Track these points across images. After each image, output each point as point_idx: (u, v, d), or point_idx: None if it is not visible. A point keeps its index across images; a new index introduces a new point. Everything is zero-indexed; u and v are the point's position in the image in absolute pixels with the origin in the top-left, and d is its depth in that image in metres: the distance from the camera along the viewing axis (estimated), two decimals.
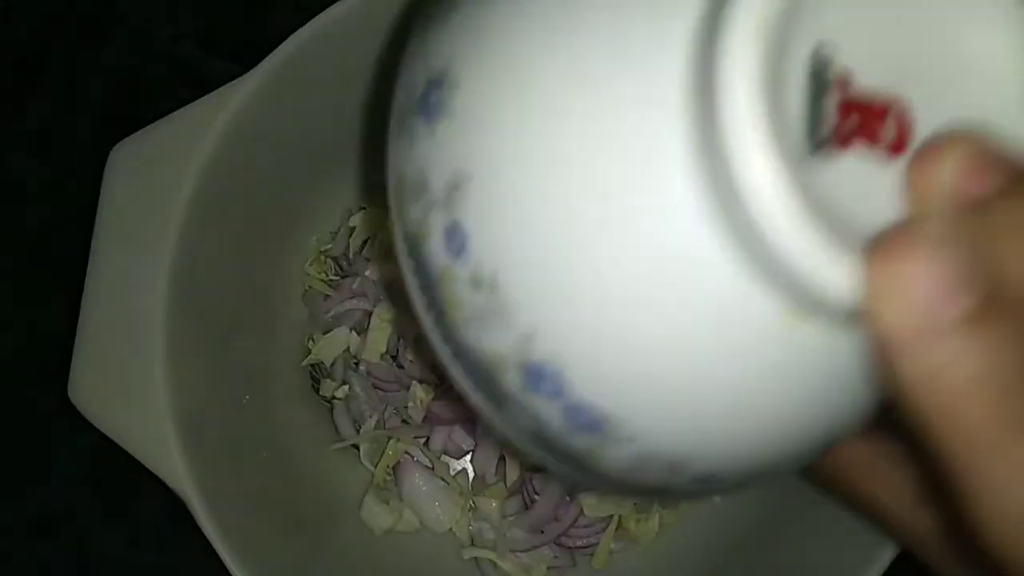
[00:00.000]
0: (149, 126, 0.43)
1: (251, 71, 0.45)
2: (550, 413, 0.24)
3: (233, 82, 0.45)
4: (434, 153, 0.24)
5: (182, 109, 0.44)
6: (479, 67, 0.24)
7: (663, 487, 0.25)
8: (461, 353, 0.25)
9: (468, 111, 0.23)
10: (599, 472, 0.25)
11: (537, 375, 0.23)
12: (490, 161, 0.23)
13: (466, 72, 0.24)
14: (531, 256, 0.22)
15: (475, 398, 0.26)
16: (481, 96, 0.23)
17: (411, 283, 0.26)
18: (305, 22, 0.46)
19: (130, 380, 0.41)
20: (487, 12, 0.24)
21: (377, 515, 0.51)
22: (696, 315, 0.22)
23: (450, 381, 0.27)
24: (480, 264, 0.23)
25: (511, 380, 0.24)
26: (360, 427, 0.53)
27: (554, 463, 0.26)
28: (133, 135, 0.43)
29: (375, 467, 0.53)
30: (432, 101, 0.24)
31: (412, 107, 0.25)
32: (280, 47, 0.46)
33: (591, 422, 0.23)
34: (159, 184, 0.43)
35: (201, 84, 0.62)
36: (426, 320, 0.26)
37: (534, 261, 0.22)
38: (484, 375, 0.24)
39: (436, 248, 0.24)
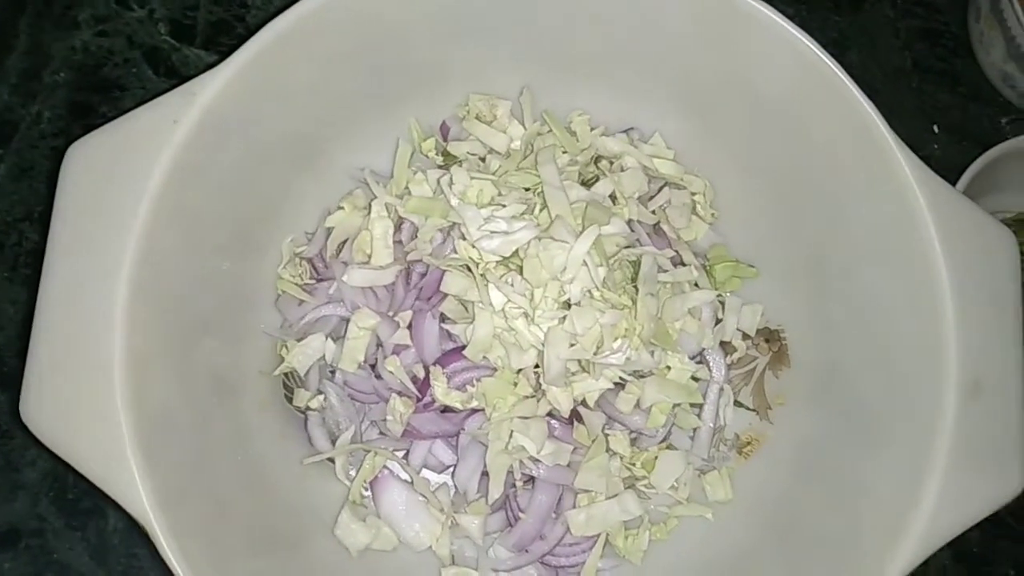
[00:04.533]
0: (109, 124, 0.40)
1: (224, 62, 0.42)
2: None
3: (203, 75, 0.42)
4: None
5: (147, 104, 0.41)
6: None
7: None
8: None
9: None
10: None
11: None
12: None
13: None
14: None
15: None
16: None
17: None
18: (281, 7, 0.43)
19: (86, 396, 0.38)
20: None
21: (353, 532, 0.49)
22: None
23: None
24: None
25: None
26: (335, 439, 0.50)
27: None
28: (92, 133, 0.40)
29: (351, 482, 0.50)
30: None
31: None
32: (255, 37, 0.43)
33: None
34: (119, 184, 0.40)
35: (172, 72, 0.60)
36: None
37: None
38: None
39: None
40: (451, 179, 0.49)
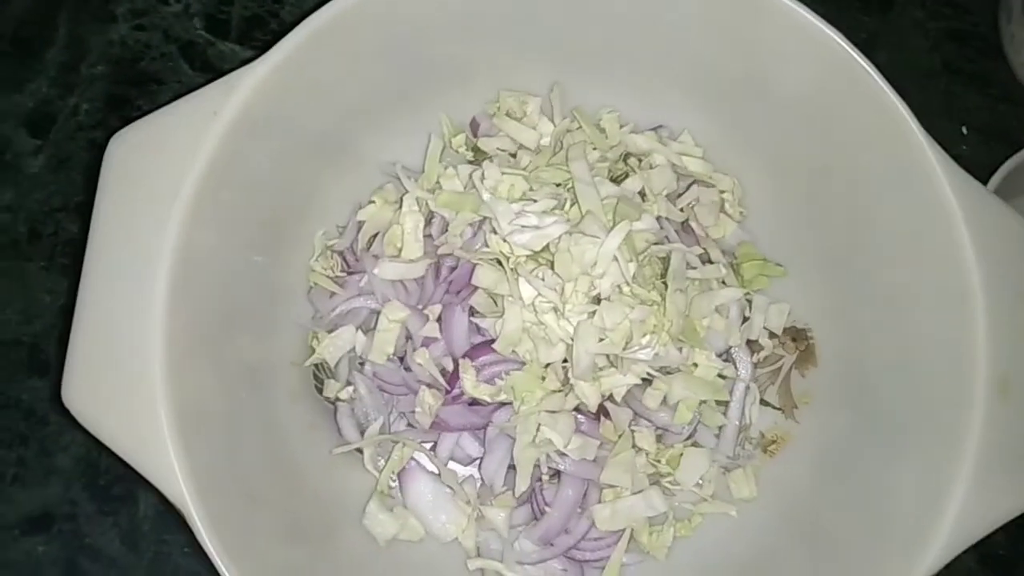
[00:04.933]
0: (150, 115, 0.41)
1: (261, 57, 0.43)
2: None
3: (241, 69, 0.43)
4: None
5: (186, 97, 0.42)
6: None
7: None
8: None
9: None
10: None
11: None
12: None
13: None
14: None
15: None
16: None
17: None
18: (315, 3, 0.44)
19: (126, 383, 0.39)
20: None
21: (381, 523, 0.50)
22: None
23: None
24: None
25: None
26: (364, 430, 0.51)
27: None
28: (133, 124, 0.41)
29: (379, 473, 0.51)
30: None
31: None
32: (292, 33, 0.44)
33: None
34: (160, 174, 0.40)
35: (208, 66, 0.61)
36: None
37: None
38: None
39: None
40: (483, 174, 0.49)
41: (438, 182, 0.52)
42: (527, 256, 0.47)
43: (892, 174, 0.46)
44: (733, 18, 0.47)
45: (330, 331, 0.51)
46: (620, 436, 0.49)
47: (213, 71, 0.60)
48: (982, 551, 0.58)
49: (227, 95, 0.42)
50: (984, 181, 0.57)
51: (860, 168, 0.48)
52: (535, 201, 0.48)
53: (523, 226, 0.46)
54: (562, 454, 0.49)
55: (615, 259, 0.46)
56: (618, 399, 0.49)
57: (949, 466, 0.43)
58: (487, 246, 0.48)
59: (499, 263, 0.48)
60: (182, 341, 0.41)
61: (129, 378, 0.39)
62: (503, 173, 0.49)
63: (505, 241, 0.47)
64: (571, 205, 0.49)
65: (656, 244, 0.49)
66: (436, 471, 0.51)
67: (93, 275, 0.40)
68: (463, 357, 0.48)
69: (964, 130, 0.64)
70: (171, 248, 0.40)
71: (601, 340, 0.46)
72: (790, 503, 0.51)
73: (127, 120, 0.42)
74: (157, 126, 0.41)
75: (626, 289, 0.46)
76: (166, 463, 0.38)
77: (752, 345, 0.53)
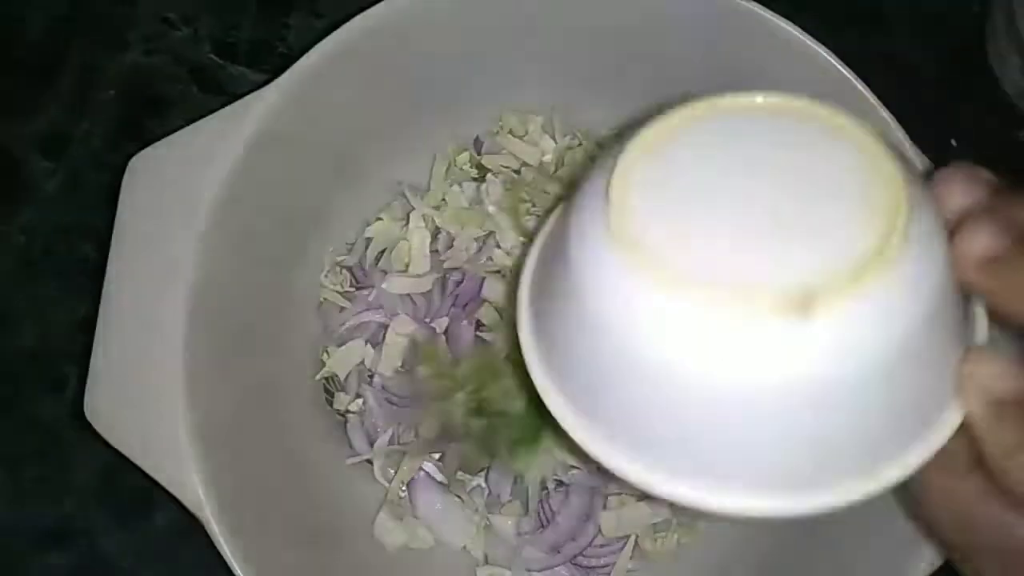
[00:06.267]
0: (169, 136, 0.43)
1: (275, 81, 0.45)
2: None
3: (256, 92, 0.44)
4: None
5: (204, 120, 0.43)
6: None
7: None
8: None
9: None
10: None
11: None
12: None
13: None
14: None
15: None
16: None
17: None
18: (321, 27, 0.46)
19: (146, 397, 0.40)
20: None
21: (390, 532, 0.51)
22: None
23: None
24: None
25: None
26: (374, 442, 0.52)
27: None
28: (153, 145, 0.43)
29: (389, 483, 0.52)
30: None
31: None
32: (303, 58, 0.45)
33: None
34: (179, 195, 0.42)
35: (218, 89, 0.62)
36: None
37: None
38: None
39: None
40: (487, 189, 0.51)
41: (443, 199, 0.53)
42: None
43: None
44: (726, 37, 0.49)
45: (340, 345, 0.53)
46: None
47: (223, 94, 0.62)
48: None
49: (242, 118, 0.43)
50: None
51: None
52: (539, 216, 0.50)
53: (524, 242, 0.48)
54: (571, 466, 0.50)
55: None
56: None
57: None
58: (492, 260, 0.50)
59: (504, 276, 0.49)
60: (201, 358, 0.42)
61: (150, 393, 0.40)
62: (506, 189, 0.51)
63: (508, 255, 0.49)
64: None
65: None
66: (444, 481, 0.52)
67: (114, 293, 0.41)
68: None
69: (953, 142, 0.65)
70: (191, 267, 0.41)
71: None
72: None
73: (140, 143, 0.44)
74: (177, 147, 0.43)
75: None
76: (186, 473, 0.40)
77: None
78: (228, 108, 0.43)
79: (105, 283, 0.41)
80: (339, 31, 0.45)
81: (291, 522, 0.47)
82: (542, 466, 0.50)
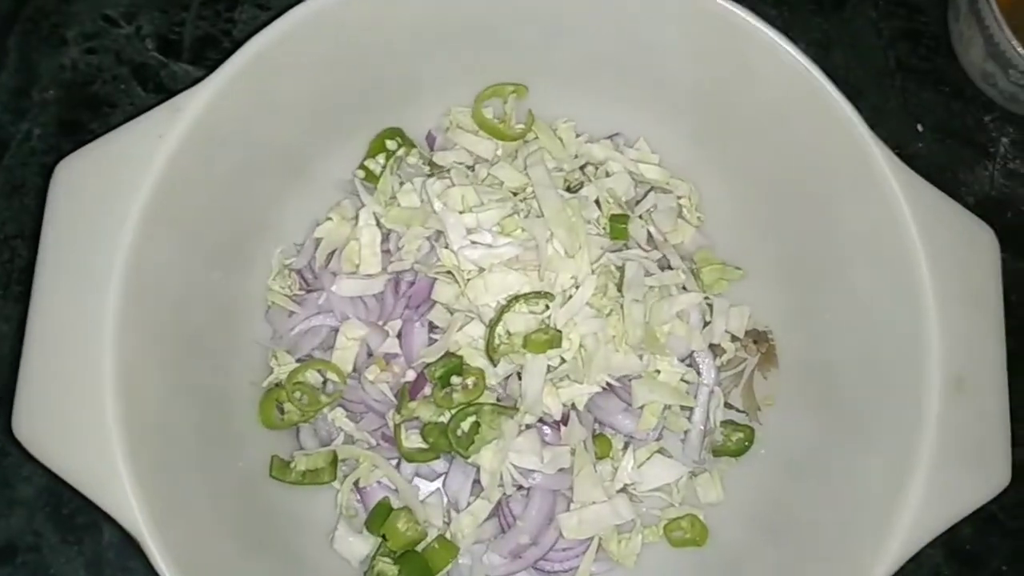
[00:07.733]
0: (96, 140, 0.41)
1: (210, 75, 0.43)
2: None
3: (189, 89, 0.42)
4: None
5: (132, 121, 0.41)
6: None
7: None
8: None
9: None
10: None
11: None
12: None
13: None
14: None
15: None
16: None
17: None
18: (268, 20, 0.44)
19: (78, 411, 0.38)
20: None
21: (351, 545, 0.49)
22: None
23: None
24: None
25: None
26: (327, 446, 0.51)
27: None
28: (79, 150, 0.41)
29: (340, 488, 0.50)
30: None
31: None
32: (241, 49, 0.44)
33: None
34: (107, 200, 0.40)
35: (161, 87, 0.60)
36: None
37: None
38: None
39: None
40: (435, 185, 0.49)
41: (393, 196, 0.52)
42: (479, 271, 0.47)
43: (844, 177, 0.47)
44: (688, 28, 0.47)
45: (289, 350, 0.51)
46: (576, 451, 0.49)
47: (166, 92, 0.59)
48: (950, 546, 0.58)
49: (174, 116, 0.42)
50: (940, 177, 0.57)
51: (814, 171, 0.49)
52: (489, 211, 0.48)
53: (474, 242, 0.46)
54: (530, 471, 0.48)
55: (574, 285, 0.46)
56: (580, 407, 0.49)
57: (908, 461, 0.43)
58: (439, 261, 0.48)
59: (453, 276, 0.47)
60: (135, 365, 0.40)
61: (81, 406, 0.39)
62: (452, 185, 0.49)
63: (455, 255, 0.47)
64: (525, 215, 0.48)
65: (613, 252, 0.49)
66: (394, 488, 0.50)
67: (41, 303, 0.40)
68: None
69: (919, 127, 0.64)
70: (119, 270, 0.39)
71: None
72: (756, 505, 0.52)
73: (80, 144, 0.42)
74: (103, 151, 0.41)
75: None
76: (120, 492, 0.38)
77: (715, 349, 0.54)
78: (159, 107, 0.42)
79: (32, 296, 0.40)
80: (277, 22, 0.44)
81: (241, 538, 0.45)
82: (498, 456, 0.48)
